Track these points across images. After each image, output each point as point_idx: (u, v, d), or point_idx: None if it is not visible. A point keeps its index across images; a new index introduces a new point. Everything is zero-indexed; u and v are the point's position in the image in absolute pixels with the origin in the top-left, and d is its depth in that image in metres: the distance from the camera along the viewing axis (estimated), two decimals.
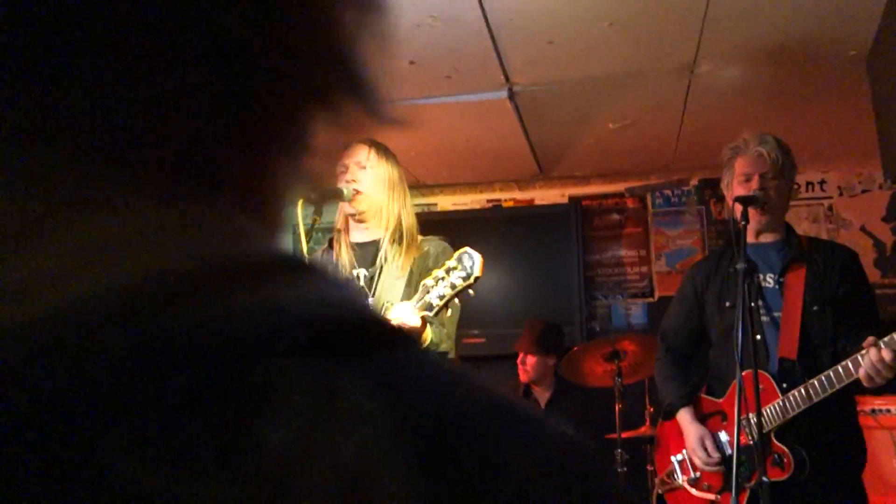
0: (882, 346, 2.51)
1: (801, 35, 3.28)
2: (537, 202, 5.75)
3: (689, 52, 3.45)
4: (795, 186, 3.00)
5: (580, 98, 3.98)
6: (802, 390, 2.65)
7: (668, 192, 5.57)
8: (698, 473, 2.92)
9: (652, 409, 4.27)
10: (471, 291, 2.20)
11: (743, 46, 3.40)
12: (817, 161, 5.11)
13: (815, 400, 2.64)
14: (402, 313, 2.26)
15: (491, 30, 3.21)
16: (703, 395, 3.01)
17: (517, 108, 4.02)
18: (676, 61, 3.55)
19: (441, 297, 2.18)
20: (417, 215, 5.70)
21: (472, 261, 2.16)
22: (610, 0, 2.97)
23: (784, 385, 2.72)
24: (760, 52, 3.45)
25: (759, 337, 2.82)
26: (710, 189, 5.48)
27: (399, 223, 2.73)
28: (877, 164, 5.16)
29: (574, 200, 5.67)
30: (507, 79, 3.69)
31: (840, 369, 2.60)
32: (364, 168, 2.71)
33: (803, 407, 2.65)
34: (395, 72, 3.54)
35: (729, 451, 2.83)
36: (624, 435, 4.07)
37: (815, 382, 2.63)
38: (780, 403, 2.69)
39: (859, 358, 2.55)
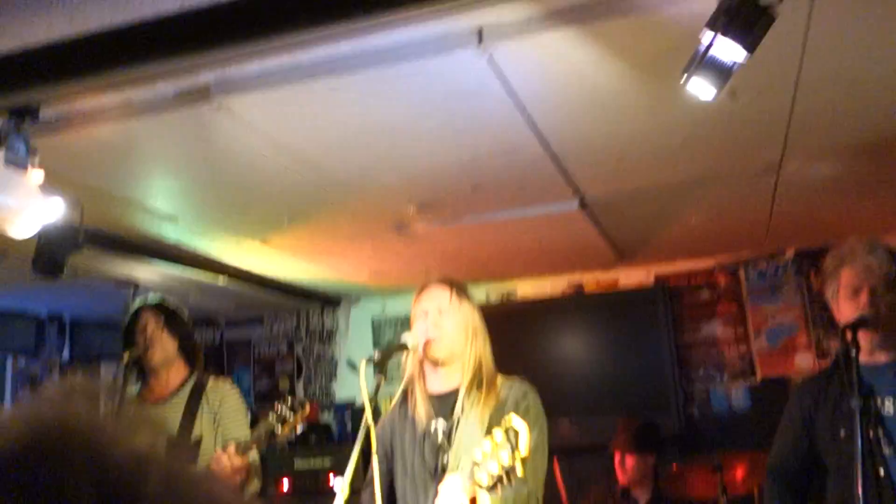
0: None
1: (889, 128, 2.97)
2: (622, 282, 5.47)
3: (775, 154, 3.17)
4: None
5: (657, 201, 3.75)
6: None
7: (762, 265, 5.21)
8: None
9: None
10: (519, 472, 2.03)
11: (828, 145, 3.11)
12: None
13: None
14: (451, 493, 2.11)
15: (554, 155, 3.03)
16: None
17: (591, 214, 3.81)
18: (761, 163, 3.28)
19: (490, 476, 2.03)
20: (496, 305, 5.60)
21: (515, 434, 2.02)
22: (681, 115, 2.74)
23: None
24: (850, 151, 3.15)
25: (882, 474, 2.51)
26: (809, 259, 5.11)
27: (479, 369, 2.57)
28: None
29: (661, 280, 5.38)
30: (577, 191, 3.49)
31: None
32: (444, 313, 2.58)
33: None
34: (459, 196, 3.41)
35: None
36: None
37: None
38: None
39: None
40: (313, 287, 5.28)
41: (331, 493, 4.98)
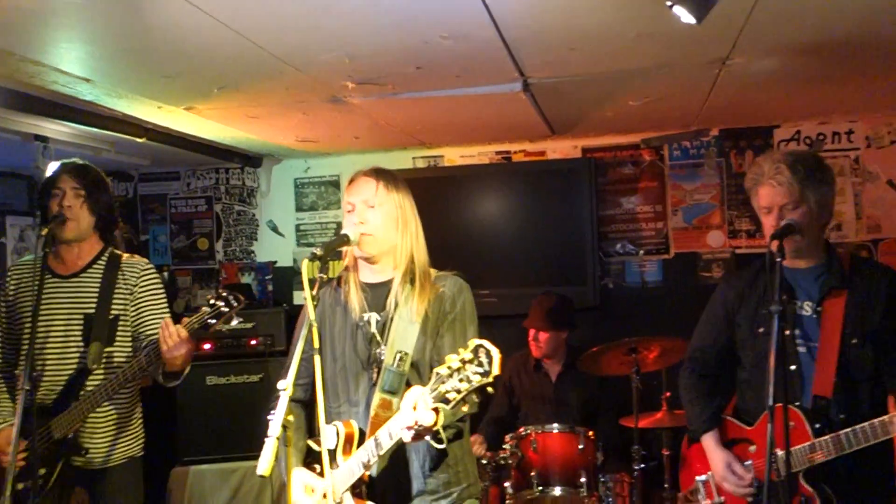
0: None
1: (843, 34, 2.97)
2: (549, 155, 5.48)
3: (724, 49, 3.14)
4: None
5: (601, 86, 3.69)
6: (834, 439, 2.56)
7: (686, 143, 5.30)
8: (722, 498, 2.88)
9: (668, 394, 4.22)
10: (489, 389, 2.05)
11: (781, 44, 3.09)
12: (844, 111, 4.82)
13: (847, 451, 2.55)
14: (417, 407, 2.12)
15: (506, 42, 2.90)
16: (730, 419, 2.93)
17: (532, 96, 3.73)
18: (708, 57, 3.24)
19: (458, 392, 2.03)
20: (421, 169, 5.57)
21: (489, 357, 2.00)
22: (639, 12, 2.65)
23: (817, 426, 2.62)
24: (801, 48, 3.14)
25: (793, 367, 2.71)
26: (732, 140, 5.22)
27: (411, 261, 2.57)
28: None
29: (587, 153, 5.41)
30: (522, 73, 3.39)
31: (877, 425, 2.50)
32: (373, 207, 2.53)
33: (833, 455, 2.57)
34: (400, 75, 3.27)
35: (756, 482, 2.77)
36: (641, 424, 4.03)
37: (850, 434, 2.54)
38: (810, 446, 2.60)
39: None
40: (234, 145, 5.06)
41: (253, 354, 5.08)
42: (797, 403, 2.66)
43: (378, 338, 2.52)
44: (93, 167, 3.25)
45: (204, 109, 3.78)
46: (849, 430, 2.52)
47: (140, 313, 3.20)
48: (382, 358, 2.48)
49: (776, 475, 2.47)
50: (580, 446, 3.89)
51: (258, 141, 4.83)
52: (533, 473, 3.89)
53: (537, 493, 3.85)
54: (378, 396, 2.45)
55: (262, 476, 2.04)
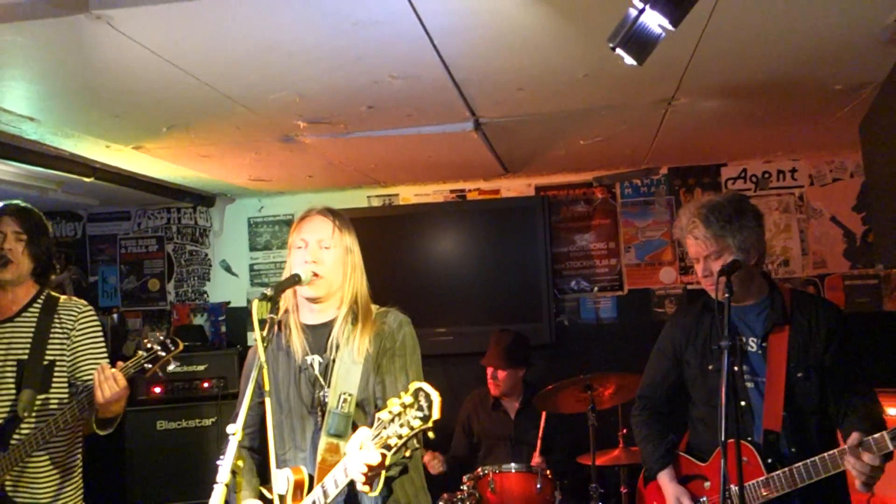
0: (862, 450, 2.43)
1: (785, 74, 3.07)
2: (503, 192, 5.53)
3: (669, 90, 3.22)
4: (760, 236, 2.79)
5: (551, 125, 3.74)
6: (787, 473, 2.57)
7: (636, 181, 5.39)
8: None
9: (625, 431, 4.22)
10: (430, 434, 2.02)
11: (725, 84, 3.18)
12: (788, 149, 4.95)
13: (799, 485, 2.56)
14: (361, 451, 2.09)
15: (456, 83, 2.93)
16: (684, 455, 2.93)
17: (484, 135, 3.76)
18: (654, 97, 3.32)
19: (399, 437, 2.01)
20: (376, 208, 5.55)
21: (428, 401, 1.98)
22: (585, 54, 2.71)
23: (769, 461, 2.64)
24: (742, 89, 3.24)
25: (743, 403, 2.73)
26: (681, 178, 5.33)
27: (354, 302, 2.54)
28: (849, 153, 5.05)
29: (541, 191, 5.47)
30: (473, 113, 3.43)
31: (828, 459, 2.51)
32: (328, 248, 2.50)
33: (786, 490, 2.58)
34: (352, 115, 3.28)
35: None
36: (598, 461, 4.02)
37: (802, 468, 2.55)
38: (763, 482, 2.61)
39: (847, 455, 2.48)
40: (186, 185, 5.01)
41: (205, 397, 4.97)
42: (749, 438, 2.68)
43: (321, 380, 2.48)
44: (35, 210, 3.17)
45: (154, 148, 3.74)
46: (800, 464, 2.54)
47: (76, 358, 3.10)
48: (326, 400, 2.44)
49: None
50: (538, 486, 3.86)
51: (210, 180, 4.79)
52: None
53: None
54: (324, 440, 2.41)
55: None
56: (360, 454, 2.09)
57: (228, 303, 5.71)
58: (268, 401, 2.21)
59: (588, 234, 5.44)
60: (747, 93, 3.27)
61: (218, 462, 2.07)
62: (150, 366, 2.83)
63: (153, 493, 4.84)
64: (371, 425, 2.42)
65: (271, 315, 2.32)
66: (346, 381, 2.44)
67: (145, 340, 2.86)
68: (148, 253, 5.77)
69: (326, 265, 2.48)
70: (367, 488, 2.18)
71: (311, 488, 2.38)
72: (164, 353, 2.84)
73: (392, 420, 2.02)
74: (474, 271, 5.37)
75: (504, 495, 3.89)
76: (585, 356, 5.19)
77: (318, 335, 2.53)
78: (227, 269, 5.73)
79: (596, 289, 5.41)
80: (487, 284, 5.34)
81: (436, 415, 1.96)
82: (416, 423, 1.98)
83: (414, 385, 2.01)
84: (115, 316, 5.63)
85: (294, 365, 2.53)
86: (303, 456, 2.48)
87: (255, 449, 2.64)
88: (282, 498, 2.40)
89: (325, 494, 2.28)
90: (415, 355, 2.54)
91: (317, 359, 2.51)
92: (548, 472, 3.95)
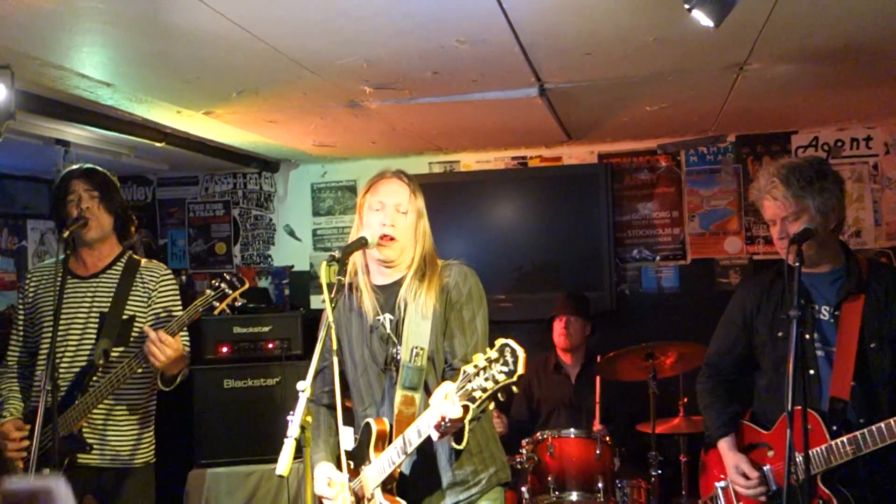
0: None
1: (865, 36, 2.96)
2: (565, 160, 5.49)
3: (741, 55, 3.14)
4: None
5: (616, 91, 3.69)
6: (851, 440, 2.54)
7: (702, 149, 5.28)
8: (741, 503, 2.87)
9: (686, 400, 4.20)
10: (514, 388, 2.07)
11: (800, 48, 3.08)
12: (862, 116, 4.79)
13: (864, 452, 2.53)
14: (444, 402, 2.14)
15: (523, 47, 2.91)
16: (748, 423, 2.92)
17: (549, 101, 3.73)
18: (725, 62, 3.24)
19: (483, 390, 2.06)
20: (438, 175, 5.57)
21: (514, 356, 2.02)
22: (656, 17, 2.65)
23: (833, 427, 2.61)
24: (818, 52, 3.13)
25: (811, 372, 2.71)
26: (749, 146, 5.21)
27: (423, 259, 2.60)
28: None
29: (603, 158, 5.41)
30: (539, 78, 3.40)
31: (893, 424, 2.48)
32: (404, 213, 2.57)
33: (850, 457, 2.55)
34: (417, 80, 3.29)
35: (774, 486, 2.75)
36: (658, 430, 4.01)
37: (867, 434, 2.52)
38: (827, 448, 2.58)
39: None
40: (252, 150, 5.10)
41: (270, 358, 5.10)
42: (815, 407, 2.65)
43: (393, 337, 2.56)
44: (100, 169, 3.29)
45: (223, 114, 3.82)
46: (864, 430, 2.51)
47: (155, 321, 3.24)
48: (399, 357, 2.52)
49: (794, 479, 2.46)
50: (597, 451, 3.87)
51: (276, 146, 4.86)
52: (549, 478, 3.88)
53: (554, 498, 3.84)
54: (399, 393, 2.50)
55: (280, 476, 2.07)
56: (440, 407, 2.15)
57: (292, 266, 5.83)
58: (335, 361, 2.28)
59: (651, 202, 5.36)
60: (823, 57, 3.17)
61: (288, 418, 2.14)
62: (217, 303, 2.95)
63: (221, 448, 5.00)
64: (440, 378, 2.49)
65: (339, 277, 2.38)
66: (417, 335, 2.52)
67: (213, 280, 2.98)
68: (215, 217, 5.91)
69: (402, 229, 2.55)
70: (443, 438, 2.25)
71: (391, 439, 2.47)
72: (230, 291, 2.95)
73: (477, 373, 2.07)
74: (535, 239, 5.36)
75: (563, 460, 3.91)
76: (646, 326, 5.15)
77: (388, 294, 2.61)
78: (291, 233, 5.83)
79: (658, 258, 5.35)
80: (548, 252, 5.33)
81: (521, 370, 2.01)
82: (501, 378, 2.03)
83: (500, 341, 2.06)
84: (183, 278, 5.80)
85: (366, 324, 2.61)
86: (381, 410, 2.59)
87: (332, 405, 2.71)
88: (363, 449, 2.52)
89: (408, 443, 2.36)
90: (482, 306, 2.61)
91: (388, 317, 2.59)
92: (607, 438, 3.96)
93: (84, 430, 3.08)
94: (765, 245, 5.18)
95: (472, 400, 2.07)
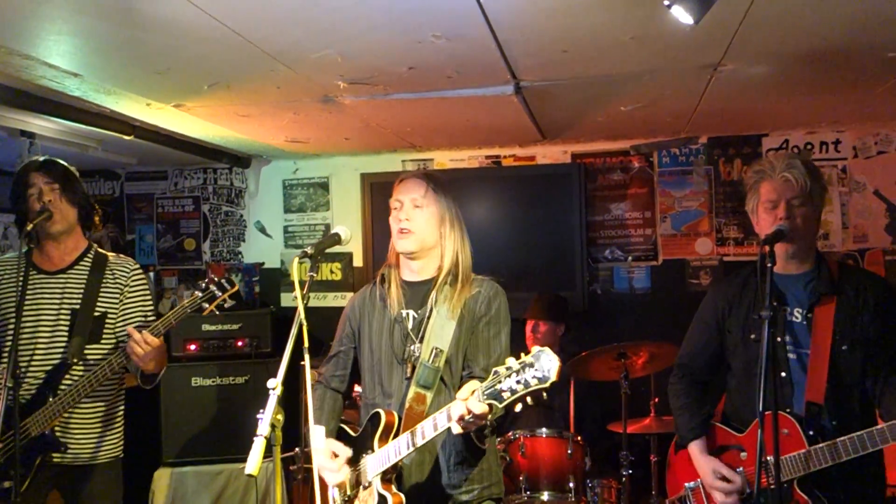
0: None
1: (838, 40, 2.98)
2: (539, 160, 5.48)
3: (716, 55, 3.15)
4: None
5: (592, 90, 3.69)
6: (831, 448, 2.54)
7: (675, 150, 5.31)
8: None
9: (657, 400, 4.22)
10: (544, 395, 2.11)
11: (774, 49, 3.10)
12: (832, 120, 4.84)
13: (842, 459, 2.54)
14: (470, 397, 2.17)
15: (499, 43, 2.90)
16: (720, 426, 2.91)
17: (524, 99, 3.72)
18: (700, 62, 3.25)
19: (513, 392, 2.09)
20: (410, 172, 5.53)
21: (550, 364, 2.05)
22: (633, 14, 2.65)
23: (811, 433, 2.61)
24: (791, 55, 3.16)
25: (783, 374, 2.70)
26: (720, 148, 5.25)
27: (455, 263, 2.64)
28: (894, 125, 4.93)
29: (577, 158, 5.42)
30: (514, 76, 3.39)
31: (875, 434, 2.49)
32: (420, 207, 2.62)
33: (829, 463, 2.55)
34: (392, 76, 3.26)
35: (748, 490, 2.75)
36: (629, 429, 4.02)
37: (847, 443, 2.52)
38: (805, 454, 2.59)
39: None
40: (223, 145, 5.03)
41: (239, 356, 5.04)
42: (788, 410, 2.65)
43: (412, 335, 2.59)
44: (59, 161, 3.21)
45: (194, 107, 3.75)
46: (846, 438, 2.51)
47: (126, 315, 3.18)
48: (417, 354, 2.55)
49: (767, 482, 2.46)
50: (569, 451, 3.87)
51: (247, 141, 4.80)
52: (521, 478, 3.87)
53: (525, 498, 3.83)
54: (413, 390, 2.53)
55: (249, 475, 2.03)
56: (466, 402, 2.17)
57: (262, 264, 5.76)
58: (307, 358, 2.27)
59: (624, 202, 5.38)
60: (796, 59, 3.19)
61: (258, 416, 2.11)
62: (207, 305, 2.93)
63: (187, 447, 4.93)
64: (458, 383, 2.53)
65: (311, 273, 2.37)
66: (440, 336, 2.55)
67: (200, 281, 2.96)
68: (184, 212, 5.83)
69: (418, 222, 2.59)
70: (459, 429, 2.25)
71: (397, 431, 2.49)
72: (220, 293, 2.93)
73: (509, 375, 2.09)
74: (508, 238, 5.35)
75: (535, 459, 3.91)
76: (617, 326, 5.17)
77: (416, 292, 2.65)
78: (262, 230, 5.77)
79: (630, 258, 5.37)
80: (521, 251, 5.32)
81: (554, 377, 2.04)
82: (534, 382, 2.06)
83: (536, 348, 2.08)
84: (151, 274, 5.71)
85: (389, 317, 2.66)
86: (389, 402, 2.60)
87: (344, 393, 2.83)
88: (369, 438, 2.53)
89: (422, 435, 2.37)
90: (507, 325, 2.65)
91: (412, 313, 2.63)
92: (579, 438, 3.96)
93: (56, 429, 3.02)
94: (735, 247, 5.22)
95: (500, 399, 2.10)
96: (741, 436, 2.82)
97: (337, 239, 2.52)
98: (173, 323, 2.96)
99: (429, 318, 2.57)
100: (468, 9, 2.50)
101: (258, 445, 2.05)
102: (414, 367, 2.55)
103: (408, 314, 2.63)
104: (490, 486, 2.63)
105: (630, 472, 3.93)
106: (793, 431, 2.60)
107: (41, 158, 3.19)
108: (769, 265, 2.50)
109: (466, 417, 2.18)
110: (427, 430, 2.35)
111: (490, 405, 2.12)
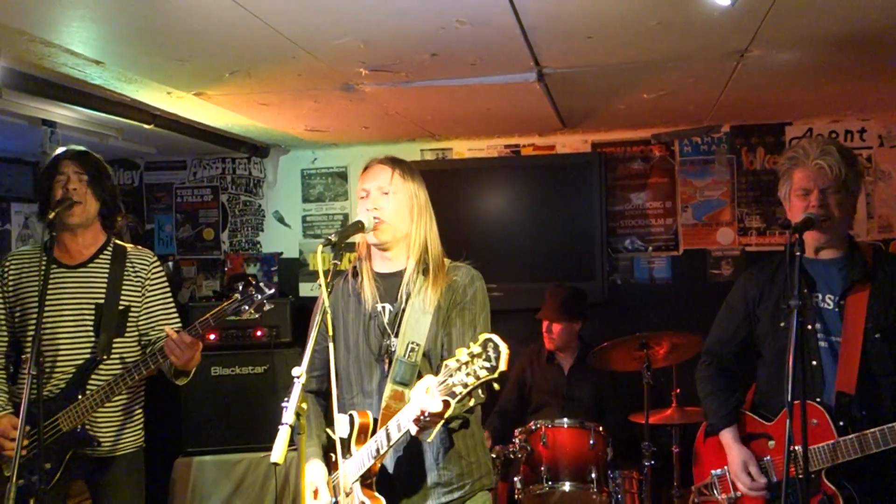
0: None
1: (867, 24, 2.92)
2: (558, 149, 5.44)
3: (743, 41, 3.10)
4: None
5: (615, 77, 3.65)
6: (861, 439, 2.51)
7: (696, 139, 5.25)
8: (738, 493, 2.84)
9: (678, 391, 4.18)
10: (496, 385, 2.02)
11: (802, 35, 3.05)
12: (857, 108, 4.77)
13: (872, 451, 2.50)
14: (425, 396, 2.09)
15: (524, 29, 2.86)
16: (749, 414, 2.89)
17: (546, 87, 3.68)
18: (727, 48, 3.20)
19: (465, 385, 2.01)
20: (429, 162, 5.52)
21: (497, 352, 1.96)
22: (659, 1, 2.61)
23: (841, 423, 2.58)
24: (819, 40, 3.10)
25: (814, 363, 2.67)
26: (743, 137, 5.19)
27: (425, 251, 2.56)
28: None
29: (597, 147, 5.37)
30: (538, 63, 3.35)
31: None
32: (387, 194, 2.52)
33: (858, 455, 2.52)
34: (414, 63, 3.23)
35: (775, 479, 2.73)
36: (651, 420, 3.99)
37: (878, 434, 2.49)
38: (833, 445, 2.55)
39: None
40: (242, 134, 5.02)
41: (258, 346, 5.04)
42: (818, 400, 2.62)
43: (389, 329, 2.51)
44: (93, 153, 3.22)
45: (214, 95, 3.74)
46: (876, 430, 2.48)
47: (149, 309, 3.19)
48: (394, 349, 2.46)
49: (795, 472, 2.43)
50: (591, 442, 3.85)
51: (266, 130, 4.79)
52: (542, 468, 3.85)
53: (546, 488, 3.81)
54: (390, 387, 2.44)
55: (275, 464, 2.01)
56: (420, 401, 2.09)
57: (281, 253, 5.75)
58: (331, 347, 2.25)
59: (644, 192, 5.34)
60: (825, 44, 3.14)
61: (283, 405, 2.09)
62: (247, 307, 2.92)
63: (208, 436, 4.95)
64: (437, 375, 2.44)
65: (335, 262, 2.34)
66: (415, 330, 2.46)
67: (238, 284, 2.95)
68: (203, 202, 5.82)
69: (388, 210, 2.50)
70: (421, 434, 2.19)
71: (374, 432, 2.40)
72: (258, 296, 2.91)
73: (459, 368, 2.01)
74: (527, 228, 5.31)
75: (556, 450, 3.89)
76: (637, 316, 5.13)
77: (390, 284, 2.56)
78: (280, 220, 5.76)
79: (651, 248, 5.32)
80: (541, 241, 5.28)
81: (502, 366, 1.95)
82: (483, 374, 1.97)
83: (483, 336, 2.00)
84: (170, 264, 5.71)
85: (364, 311, 2.56)
86: (368, 401, 2.52)
87: (322, 393, 2.69)
88: (345, 441, 2.43)
89: (388, 437, 2.30)
90: (484, 310, 2.55)
91: (387, 307, 2.54)
92: (600, 428, 3.93)
93: (87, 423, 3.03)
94: (757, 237, 5.17)
95: (453, 395, 2.02)
96: (770, 424, 2.79)
97: (360, 227, 2.48)
98: (212, 324, 2.95)
99: (404, 311, 2.49)
100: None
101: (283, 434, 2.03)
102: (391, 363, 2.47)
103: (384, 308, 2.53)
104: (482, 478, 2.56)
105: (652, 463, 3.90)
106: (822, 422, 2.57)
107: (77, 148, 3.19)
108: (798, 254, 2.47)
109: (422, 418, 2.11)
110: (392, 431, 2.28)
111: (446, 401, 2.04)
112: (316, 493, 2.49)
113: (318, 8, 2.58)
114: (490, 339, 1.98)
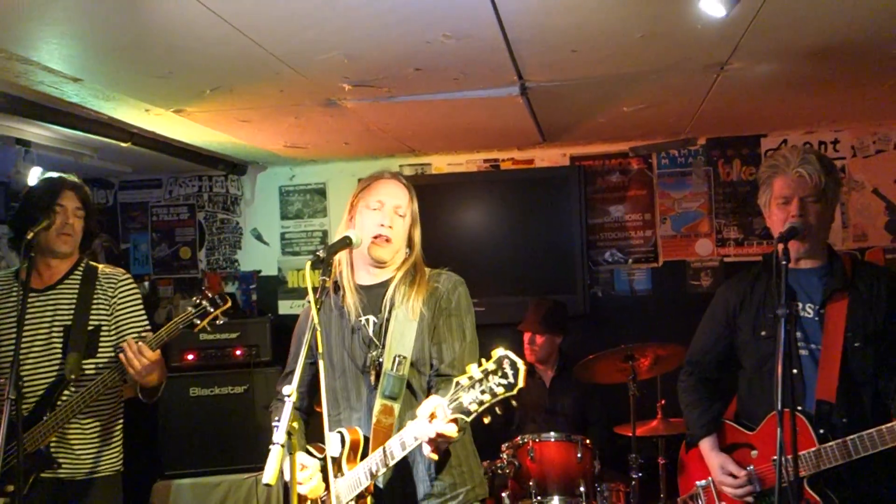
0: None
1: (845, 37, 2.97)
2: (537, 163, 5.45)
3: (724, 53, 3.13)
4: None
5: (597, 90, 3.67)
6: (841, 446, 2.52)
7: (673, 152, 5.30)
8: (723, 503, 2.84)
9: (663, 402, 4.19)
10: (513, 402, 2.00)
11: (782, 48, 3.09)
12: (830, 119, 4.85)
13: (853, 458, 2.51)
14: (436, 420, 2.06)
15: (509, 43, 2.86)
16: (730, 424, 2.89)
17: (528, 101, 3.70)
18: (708, 60, 3.23)
19: (480, 403, 1.99)
20: (409, 177, 5.48)
21: (514, 368, 1.95)
22: (644, 11, 2.63)
23: (821, 431, 2.59)
24: (798, 53, 3.14)
25: (795, 371, 2.68)
26: (719, 149, 5.24)
27: (412, 265, 2.55)
28: (893, 124, 4.94)
29: (575, 161, 5.39)
30: (521, 77, 3.36)
31: (885, 431, 2.47)
32: (402, 216, 2.54)
33: (839, 462, 2.53)
34: (398, 78, 3.23)
35: (759, 488, 2.73)
36: (637, 432, 3.98)
37: (857, 440, 2.50)
38: (816, 452, 2.56)
39: None
40: (220, 151, 4.97)
41: (237, 365, 4.96)
42: (799, 408, 2.63)
43: (375, 340, 2.48)
44: (86, 187, 3.20)
45: (194, 112, 3.70)
46: (855, 436, 2.49)
47: (119, 326, 3.13)
48: (381, 361, 2.44)
49: (783, 480, 2.43)
50: (578, 455, 3.83)
51: (245, 147, 4.75)
52: (531, 483, 3.82)
53: (535, 503, 3.78)
54: (379, 402, 2.41)
55: (267, 485, 1.97)
56: (433, 426, 2.07)
57: (259, 271, 5.70)
58: (321, 363, 2.22)
59: (623, 205, 5.36)
60: (804, 56, 3.18)
61: (274, 424, 2.06)
62: (199, 321, 2.87)
63: (187, 458, 4.86)
64: (427, 384, 2.41)
65: (323, 277, 2.31)
66: (401, 342, 2.44)
67: (194, 297, 2.90)
68: (179, 221, 5.75)
69: (398, 231, 2.51)
70: (434, 455, 2.18)
71: (365, 449, 2.36)
72: (212, 309, 2.88)
73: (472, 385, 1.99)
74: (508, 242, 5.31)
75: (544, 464, 3.86)
76: (619, 328, 5.14)
77: (373, 295, 2.53)
78: (259, 237, 5.70)
79: (630, 260, 5.34)
80: (521, 255, 5.29)
81: (521, 383, 1.94)
82: (500, 391, 1.96)
83: (498, 351, 1.99)
84: (146, 283, 5.62)
85: (347, 325, 2.52)
86: (357, 417, 2.49)
87: (303, 409, 2.67)
88: (335, 460, 2.39)
89: (390, 456, 2.26)
90: (469, 315, 2.55)
91: (371, 318, 2.51)
92: (587, 441, 3.92)
93: (52, 442, 2.95)
94: (735, 247, 5.21)
95: (467, 413, 2.00)
96: (752, 434, 2.80)
97: (348, 242, 2.46)
98: (165, 339, 2.90)
99: (388, 321, 2.46)
100: (481, 7, 2.46)
101: (275, 454, 1.99)
102: (378, 375, 2.43)
103: (367, 319, 2.50)
104: (474, 488, 2.53)
105: (639, 474, 3.89)
106: (803, 429, 2.57)
107: (72, 178, 3.18)
108: (784, 263, 2.48)
109: (438, 441, 2.10)
110: (395, 450, 2.25)
111: (457, 419, 2.03)
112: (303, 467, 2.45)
113: (304, 24, 2.57)
114: (506, 356, 1.97)
